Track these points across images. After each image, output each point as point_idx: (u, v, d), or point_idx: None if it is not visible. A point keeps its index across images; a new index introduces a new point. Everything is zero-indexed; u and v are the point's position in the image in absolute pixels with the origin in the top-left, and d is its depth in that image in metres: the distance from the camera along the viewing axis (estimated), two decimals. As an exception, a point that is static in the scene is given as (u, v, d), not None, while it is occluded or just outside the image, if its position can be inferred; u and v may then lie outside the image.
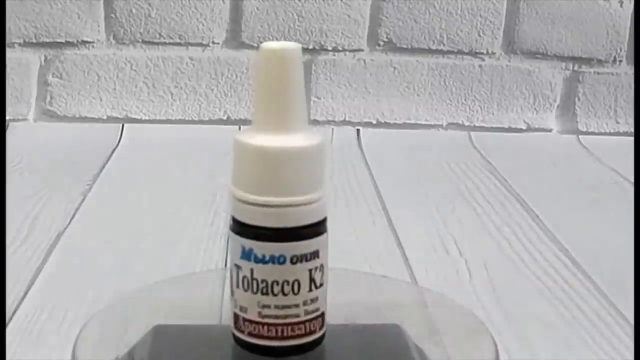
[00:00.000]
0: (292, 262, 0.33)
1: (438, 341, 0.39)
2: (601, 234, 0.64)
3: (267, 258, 0.32)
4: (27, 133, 0.83)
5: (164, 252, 0.56)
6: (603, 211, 0.70)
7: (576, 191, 0.76)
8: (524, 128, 0.92)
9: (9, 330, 0.44)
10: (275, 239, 0.32)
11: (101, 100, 0.86)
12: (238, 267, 0.33)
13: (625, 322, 0.49)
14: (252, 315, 0.33)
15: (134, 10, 0.85)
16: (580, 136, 0.92)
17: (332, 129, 0.88)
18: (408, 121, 0.90)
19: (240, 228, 0.33)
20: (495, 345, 0.36)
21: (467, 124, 0.91)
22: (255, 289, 0.33)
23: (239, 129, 0.87)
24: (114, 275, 0.52)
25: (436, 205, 0.68)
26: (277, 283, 0.33)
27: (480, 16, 0.89)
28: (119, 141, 0.83)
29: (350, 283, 0.36)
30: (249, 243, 0.32)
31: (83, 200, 0.66)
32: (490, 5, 0.89)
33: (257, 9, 0.86)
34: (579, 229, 0.65)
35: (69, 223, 0.61)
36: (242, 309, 0.33)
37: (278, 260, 0.32)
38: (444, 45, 0.89)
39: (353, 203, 0.68)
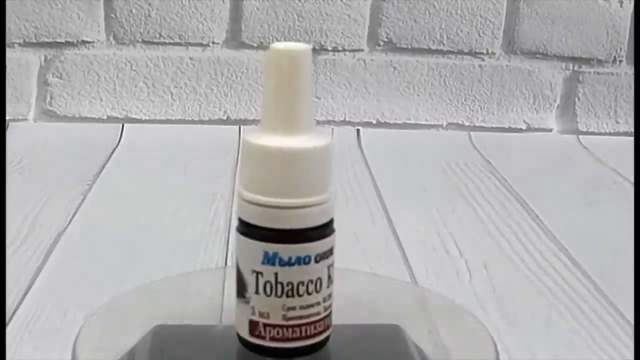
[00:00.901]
0: (316, 261, 0.33)
1: (438, 341, 0.39)
2: (601, 234, 0.64)
3: (293, 260, 0.32)
4: (27, 133, 0.83)
5: (164, 252, 0.56)
6: (603, 211, 0.70)
7: (576, 191, 0.76)
8: (524, 128, 0.92)
9: (9, 330, 0.44)
10: (302, 240, 0.32)
11: (101, 100, 0.86)
12: (258, 273, 0.32)
13: (625, 322, 0.49)
14: (276, 320, 0.33)
15: (134, 10, 0.85)
16: (580, 136, 0.92)
17: (332, 129, 0.88)
18: (408, 121, 0.90)
19: (263, 233, 0.32)
20: (495, 346, 0.36)
21: (467, 124, 0.91)
22: (279, 293, 0.32)
23: (239, 129, 0.87)
24: (114, 275, 0.52)
25: (436, 205, 0.68)
26: (303, 283, 0.33)
27: (480, 16, 0.89)
28: (119, 141, 0.83)
29: (351, 283, 0.36)
30: (273, 247, 0.32)
31: (83, 200, 0.66)
32: (490, 5, 0.89)
33: (257, 9, 0.86)
34: (579, 229, 0.65)
35: (69, 223, 0.61)
36: (262, 315, 0.33)
37: (304, 260, 0.32)
38: (444, 45, 0.89)
39: (353, 203, 0.68)
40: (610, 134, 0.94)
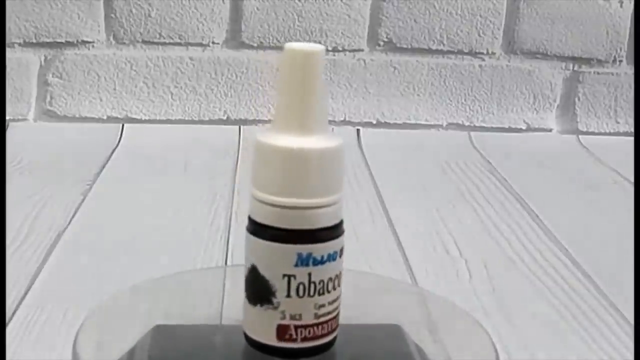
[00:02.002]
0: (340, 256, 0.33)
1: (438, 341, 0.39)
2: (601, 234, 0.65)
3: (324, 258, 0.33)
4: (27, 133, 0.83)
5: (164, 251, 0.56)
6: (603, 211, 0.70)
7: (576, 191, 0.76)
8: (524, 128, 0.92)
9: (9, 330, 0.44)
10: (332, 236, 0.33)
11: (101, 100, 0.86)
12: (290, 276, 0.32)
13: (625, 322, 0.49)
14: (308, 320, 0.33)
15: (134, 10, 0.85)
16: (580, 136, 0.92)
17: (332, 129, 0.88)
18: (408, 121, 0.90)
19: (297, 235, 0.32)
20: (494, 346, 0.36)
21: (467, 124, 0.91)
22: (312, 292, 0.33)
23: (239, 129, 0.87)
24: (114, 275, 0.52)
25: (436, 205, 0.68)
26: (331, 279, 0.33)
27: (480, 16, 0.89)
28: (119, 141, 0.83)
29: (351, 283, 0.36)
30: (306, 248, 0.32)
31: (83, 200, 0.66)
32: (490, 5, 0.89)
33: (257, 9, 0.86)
34: (579, 229, 0.65)
35: (69, 223, 0.61)
36: (293, 317, 0.33)
37: (332, 257, 0.33)
38: (444, 45, 0.89)
39: (353, 203, 0.68)
40: (610, 134, 0.94)
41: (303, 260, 0.32)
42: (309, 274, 0.32)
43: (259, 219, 0.33)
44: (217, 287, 0.43)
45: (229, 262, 0.55)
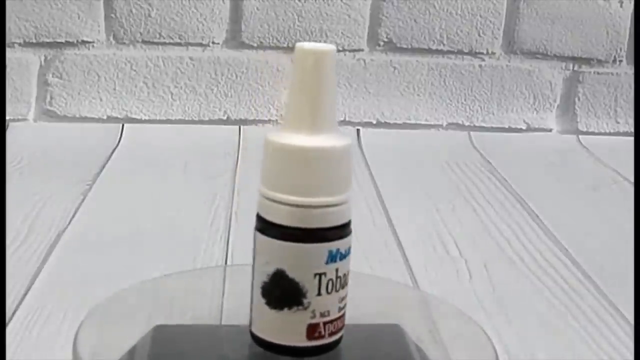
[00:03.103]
0: (351, 246, 0.34)
1: (438, 341, 0.39)
2: (601, 234, 0.65)
3: (348, 251, 0.33)
4: (27, 133, 0.83)
5: (164, 252, 0.56)
6: (603, 211, 0.70)
7: (576, 191, 0.76)
8: (524, 128, 0.92)
9: (9, 330, 0.44)
10: (350, 230, 0.33)
11: (101, 100, 0.86)
12: (321, 274, 0.32)
13: (625, 322, 0.49)
14: (334, 314, 0.33)
15: (134, 10, 0.85)
16: (580, 136, 0.92)
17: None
18: (408, 121, 0.90)
19: (329, 233, 0.32)
20: (494, 347, 0.36)
21: (467, 124, 0.91)
22: (338, 287, 0.33)
23: (239, 129, 0.87)
24: (114, 275, 0.52)
25: (436, 205, 0.68)
26: (348, 271, 0.33)
27: (480, 16, 0.89)
28: (119, 141, 0.83)
29: (350, 283, 0.36)
30: (335, 244, 0.32)
31: (83, 200, 0.66)
32: (490, 5, 0.89)
33: (257, 9, 0.86)
34: (579, 229, 0.65)
35: (69, 223, 0.61)
36: (322, 314, 0.33)
37: (349, 250, 0.33)
38: (444, 45, 0.89)
39: (353, 203, 0.68)
40: (610, 134, 0.94)
41: (333, 257, 0.32)
42: (337, 270, 0.33)
43: (286, 222, 0.32)
44: (217, 287, 0.43)
45: (229, 262, 0.55)
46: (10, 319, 0.46)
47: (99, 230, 0.60)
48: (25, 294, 0.49)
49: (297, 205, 0.32)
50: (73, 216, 0.62)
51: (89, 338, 0.35)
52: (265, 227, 0.33)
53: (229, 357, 0.36)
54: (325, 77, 0.32)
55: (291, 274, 0.32)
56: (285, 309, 0.33)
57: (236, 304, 0.35)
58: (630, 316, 0.50)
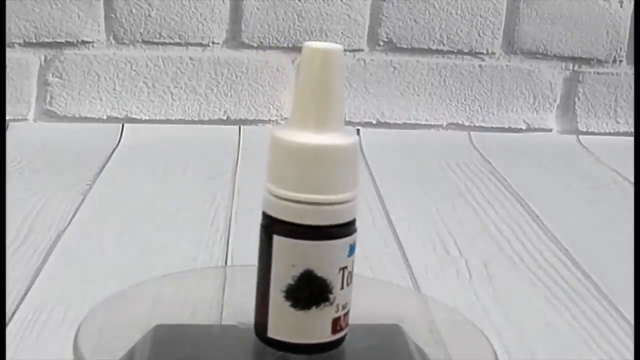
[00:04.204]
0: None
1: (438, 341, 0.39)
2: (601, 234, 0.65)
3: (356, 243, 0.33)
4: (27, 133, 0.83)
5: (164, 252, 0.56)
6: (603, 211, 0.70)
7: (576, 191, 0.76)
8: (524, 128, 0.92)
9: (9, 330, 0.44)
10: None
11: (101, 100, 0.86)
12: (344, 268, 0.33)
13: (625, 322, 0.49)
14: (348, 304, 0.34)
15: (134, 10, 0.85)
16: (580, 136, 0.92)
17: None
18: (408, 121, 0.90)
19: (350, 228, 0.33)
20: (493, 347, 0.36)
21: (467, 124, 0.91)
22: (350, 279, 0.33)
23: (239, 129, 0.87)
24: (114, 275, 0.52)
25: (436, 205, 0.68)
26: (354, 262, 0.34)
27: (480, 16, 0.89)
28: (119, 141, 0.83)
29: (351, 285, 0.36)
30: (353, 237, 0.33)
31: (83, 200, 0.66)
32: (490, 5, 0.89)
33: (257, 9, 0.86)
34: (579, 229, 0.65)
35: (69, 223, 0.61)
36: (343, 307, 0.33)
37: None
38: (444, 45, 0.89)
39: (353, 203, 0.68)
40: (610, 134, 0.94)
41: (352, 250, 0.33)
42: (352, 262, 0.33)
43: (310, 221, 0.32)
44: (217, 287, 0.43)
45: (228, 262, 0.55)
46: (10, 319, 0.46)
47: (99, 230, 0.60)
48: (25, 294, 0.49)
49: (326, 204, 0.32)
50: (73, 216, 0.62)
51: (89, 338, 0.35)
52: (288, 229, 0.32)
53: (229, 356, 0.36)
54: (332, 75, 0.32)
55: (319, 272, 0.32)
56: (313, 308, 0.33)
57: (236, 304, 0.35)
58: (630, 316, 0.50)
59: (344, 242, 0.32)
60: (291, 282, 0.32)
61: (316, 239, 0.32)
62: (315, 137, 0.32)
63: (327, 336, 0.33)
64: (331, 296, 0.33)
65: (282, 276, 0.33)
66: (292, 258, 0.32)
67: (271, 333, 0.33)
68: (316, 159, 0.32)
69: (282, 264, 0.33)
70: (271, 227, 0.33)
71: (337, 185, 0.32)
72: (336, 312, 0.33)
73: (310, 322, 0.33)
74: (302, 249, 0.32)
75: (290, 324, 0.33)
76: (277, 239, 0.32)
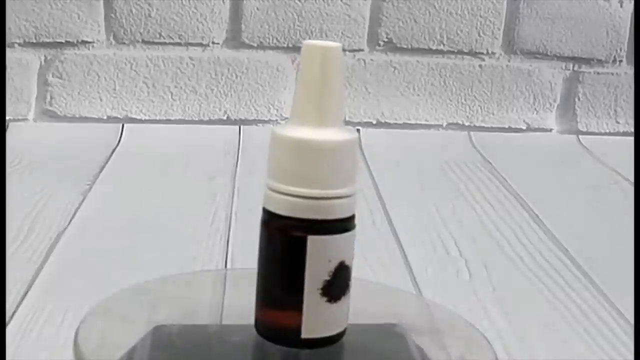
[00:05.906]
0: None
1: (438, 341, 0.39)
2: (601, 234, 0.65)
3: None
4: (27, 133, 0.83)
5: (164, 252, 0.56)
6: (603, 211, 0.70)
7: (576, 191, 0.76)
8: (524, 128, 0.92)
9: (9, 331, 0.44)
10: None
11: (101, 100, 0.86)
12: (353, 254, 0.34)
13: (625, 322, 0.49)
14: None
15: (134, 10, 0.85)
16: (580, 136, 0.92)
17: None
18: (408, 121, 0.90)
19: (352, 223, 0.33)
20: (493, 348, 0.36)
21: (467, 124, 0.91)
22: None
23: (239, 129, 0.87)
24: (114, 275, 0.52)
25: (436, 205, 0.68)
26: None
27: (480, 16, 0.89)
28: (119, 141, 0.83)
29: (351, 284, 0.36)
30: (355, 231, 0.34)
31: (83, 200, 0.66)
32: (490, 5, 0.89)
33: (257, 9, 0.86)
34: (579, 229, 0.65)
35: (69, 223, 0.61)
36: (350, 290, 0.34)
37: None
38: (444, 45, 0.89)
39: (353, 203, 0.68)
40: (610, 134, 0.94)
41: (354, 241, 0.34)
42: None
43: (337, 214, 0.33)
44: (217, 288, 0.43)
45: (229, 262, 0.55)
46: (10, 319, 0.46)
47: (98, 230, 0.60)
48: (25, 294, 0.49)
49: (347, 196, 0.33)
50: (73, 216, 0.62)
51: (89, 338, 0.35)
52: (320, 226, 0.33)
53: (228, 356, 0.36)
54: (332, 73, 0.32)
55: (349, 262, 0.33)
56: (342, 297, 0.33)
57: (236, 304, 0.35)
58: (630, 316, 0.50)
59: (354, 231, 0.34)
60: (327, 277, 0.33)
61: (344, 232, 0.33)
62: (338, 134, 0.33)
63: (347, 321, 0.34)
64: (350, 282, 0.34)
65: (316, 275, 0.33)
66: (326, 253, 0.33)
67: (306, 333, 0.33)
68: (349, 154, 0.33)
69: (318, 262, 0.33)
70: (298, 228, 0.33)
71: (353, 176, 0.33)
72: (350, 296, 0.34)
73: (340, 311, 0.34)
74: (336, 243, 0.33)
75: (325, 318, 0.33)
76: (312, 238, 0.33)
